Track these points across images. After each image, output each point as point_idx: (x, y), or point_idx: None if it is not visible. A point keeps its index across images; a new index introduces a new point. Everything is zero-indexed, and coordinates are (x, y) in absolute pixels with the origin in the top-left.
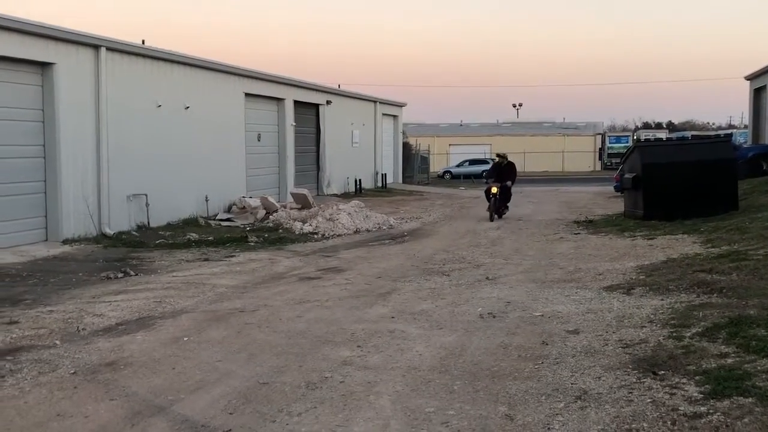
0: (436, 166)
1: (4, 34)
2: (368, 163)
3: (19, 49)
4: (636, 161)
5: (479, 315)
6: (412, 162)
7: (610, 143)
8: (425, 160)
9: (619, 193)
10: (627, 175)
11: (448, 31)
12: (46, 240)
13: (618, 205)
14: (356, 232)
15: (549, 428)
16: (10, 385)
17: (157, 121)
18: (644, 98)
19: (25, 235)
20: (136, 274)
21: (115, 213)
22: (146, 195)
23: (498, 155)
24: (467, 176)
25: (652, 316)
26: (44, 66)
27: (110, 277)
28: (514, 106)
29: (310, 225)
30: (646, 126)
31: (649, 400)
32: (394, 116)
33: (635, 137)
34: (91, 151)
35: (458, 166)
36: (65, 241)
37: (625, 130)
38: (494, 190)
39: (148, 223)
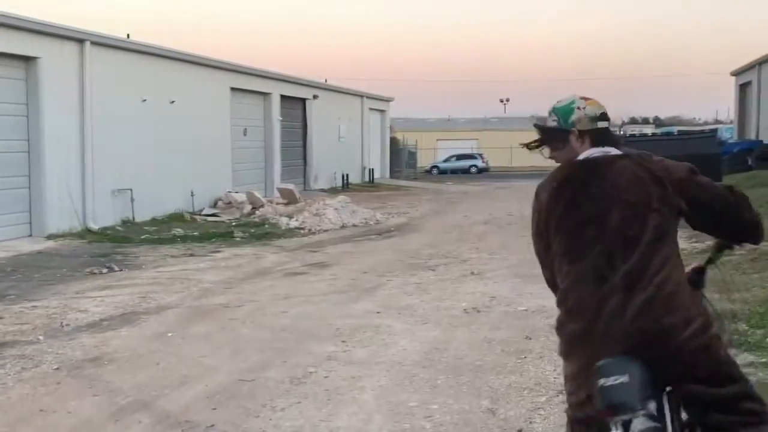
0: (424, 161)
1: None
2: (355, 158)
3: (5, 44)
4: None
5: (464, 310)
6: (400, 157)
7: None
8: (413, 155)
9: None
10: None
11: (436, 27)
12: (31, 235)
13: None
14: (343, 227)
15: (531, 422)
16: None
17: (142, 116)
18: (631, 93)
19: (10, 230)
20: (121, 270)
21: (100, 208)
22: (131, 190)
23: None
24: (454, 171)
25: None
26: (28, 60)
27: (95, 273)
28: (501, 101)
29: (297, 220)
30: (633, 121)
31: None
32: (382, 111)
33: (622, 132)
34: (75, 145)
35: (445, 161)
36: (50, 236)
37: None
38: None
39: (133, 218)
